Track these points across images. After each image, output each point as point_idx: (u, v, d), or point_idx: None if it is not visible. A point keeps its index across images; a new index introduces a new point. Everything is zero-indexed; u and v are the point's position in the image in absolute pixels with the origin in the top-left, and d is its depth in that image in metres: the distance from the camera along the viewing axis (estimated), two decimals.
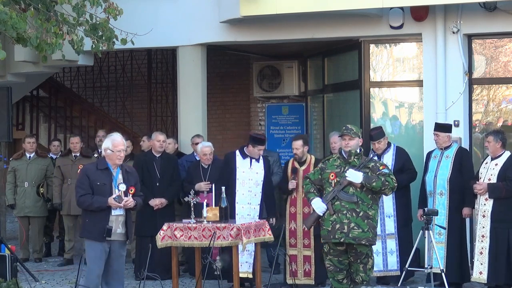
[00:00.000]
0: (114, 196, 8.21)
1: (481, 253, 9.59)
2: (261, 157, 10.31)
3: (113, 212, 8.26)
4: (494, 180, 9.54)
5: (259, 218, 10.05)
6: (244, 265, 10.07)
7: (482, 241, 9.59)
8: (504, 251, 9.48)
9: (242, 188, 10.14)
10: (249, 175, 10.21)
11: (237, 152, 10.34)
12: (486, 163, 9.76)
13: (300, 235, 10.15)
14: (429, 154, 10.33)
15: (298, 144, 10.14)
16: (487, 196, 9.56)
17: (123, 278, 8.69)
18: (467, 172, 10.01)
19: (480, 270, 9.56)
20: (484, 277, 9.53)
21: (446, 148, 10.12)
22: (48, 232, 13.29)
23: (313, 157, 10.33)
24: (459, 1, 10.69)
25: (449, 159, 10.04)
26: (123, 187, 8.29)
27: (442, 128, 10.22)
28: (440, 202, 10.00)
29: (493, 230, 9.49)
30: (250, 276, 10.05)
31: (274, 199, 10.49)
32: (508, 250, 9.50)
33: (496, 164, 9.62)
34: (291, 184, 10.13)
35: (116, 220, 8.30)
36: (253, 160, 10.24)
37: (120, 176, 8.37)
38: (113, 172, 8.36)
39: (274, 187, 10.65)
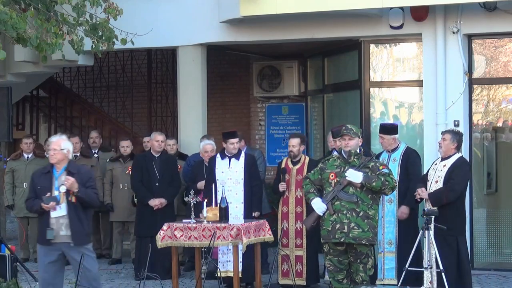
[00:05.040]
0: (44, 197, 8.07)
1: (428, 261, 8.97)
2: (242, 155, 10.25)
3: (52, 215, 8.09)
4: (441, 182, 9.10)
5: (244, 216, 10.01)
6: (229, 264, 9.98)
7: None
8: (454, 259, 9.06)
9: (222, 188, 10.01)
10: (228, 175, 10.13)
11: (218, 154, 10.33)
12: (436, 164, 9.32)
13: (293, 235, 10.12)
14: (377, 156, 9.86)
15: (295, 141, 10.11)
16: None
17: (95, 283, 8.30)
18: (414, 177, 9.61)
19: (430, 278, 8.93)
20: (434, 286, 8.95)
21: (393, 150, 9.86)
22: None
23: (307, 157, 10.31)
24: (459, 1, 10.69)
25: (396, 163, 9.77)
26: (63, 188, 8.06)
27: (387, 130, 9.92)
28: (390, 209, 9.79)
29: (442, 238, 8.94)
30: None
31: (260, 195, 10.30)
32: (458, 258, 9.09)
33: (445, 165, 9.15)
34: (281, 187, 10.10)
35: (58, 223, 8.10)
36: (233, 159, 10.16)
37: (63, 178, 8.10)
38: (55, 174, 8.19)
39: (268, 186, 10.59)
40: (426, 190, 9.17)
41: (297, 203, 10.06)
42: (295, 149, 10.11)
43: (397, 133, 9.99)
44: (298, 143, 10.11)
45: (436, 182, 9.15)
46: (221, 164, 10.21)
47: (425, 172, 9.63)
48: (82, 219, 8.20)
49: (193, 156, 11.84)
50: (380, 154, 10.05)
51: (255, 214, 10.10)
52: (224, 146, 10.20)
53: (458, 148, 9.25)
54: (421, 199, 9.31)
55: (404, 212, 9.67)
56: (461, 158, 9.32)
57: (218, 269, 9.51)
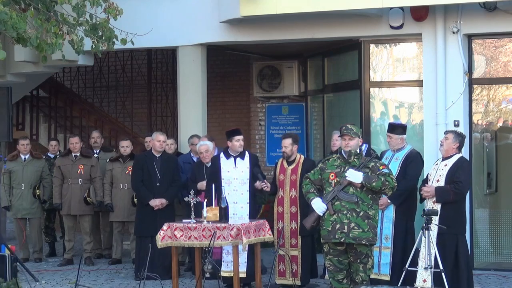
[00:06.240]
0: None
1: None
2: (247, 154, 10.25)
3: None
4: (442, 181, 9.15)
5: (249, 216, 10.00)
6: (230, 264, 9.96)
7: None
8: (452, 258, 9.07)
9: (227, 188, 10.00)
10: (234, 174, 10.12)
11: (221, 154, 10.30)
12: (437, 164, 9.38)
13: (288, 235, 10.11)
14: (382, 154, 10.06)
15: (287, 142, 10.12)
16: (434, 199, 9.14)
17: None
18: (409, 176, 9.64)
19: (424, 277, 8.99)
20: (428, 285, 8.97)
21: (398, 150, 9.88)
22: (49, 232, 13.30)
23: (302, 156, 10.30)
24: (459, 1, 10.69)
25: (398, 162, 9.79)
26: None
27: (396, 129, 9.94)
28: (389, 205, 9.76)
29: (440, 236, 9.02)
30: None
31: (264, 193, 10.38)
32: (456, 256, 9.09)
33: (446, 165, 9.20)
34: (259, 185, 10.06)
35: None
36: (238, 159, 10.15)
37: None
38: None
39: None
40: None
41: (292, 203, 10.06)
42: (287, 150, 10.12)
43: (405, 134, 9.98)
44: (290, 143, 10.12)
45: (438, 181, 9.20)
46: (226, 164, 10.19)
47: (426, 175, 9.63)
48: None
49: (183, 157, 11.84)
50: (385, 152, 10.09)
51: (261, 184, 10.01)
52: (229, 145, 10.18)
53: (459, 149, 9.32)
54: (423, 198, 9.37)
55: (384, 203, 9.60)
56: (462, 157, 9.38)
57: (219, 269, 9.51)
